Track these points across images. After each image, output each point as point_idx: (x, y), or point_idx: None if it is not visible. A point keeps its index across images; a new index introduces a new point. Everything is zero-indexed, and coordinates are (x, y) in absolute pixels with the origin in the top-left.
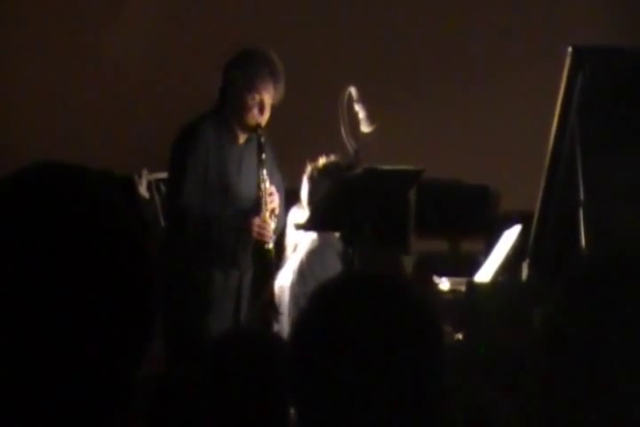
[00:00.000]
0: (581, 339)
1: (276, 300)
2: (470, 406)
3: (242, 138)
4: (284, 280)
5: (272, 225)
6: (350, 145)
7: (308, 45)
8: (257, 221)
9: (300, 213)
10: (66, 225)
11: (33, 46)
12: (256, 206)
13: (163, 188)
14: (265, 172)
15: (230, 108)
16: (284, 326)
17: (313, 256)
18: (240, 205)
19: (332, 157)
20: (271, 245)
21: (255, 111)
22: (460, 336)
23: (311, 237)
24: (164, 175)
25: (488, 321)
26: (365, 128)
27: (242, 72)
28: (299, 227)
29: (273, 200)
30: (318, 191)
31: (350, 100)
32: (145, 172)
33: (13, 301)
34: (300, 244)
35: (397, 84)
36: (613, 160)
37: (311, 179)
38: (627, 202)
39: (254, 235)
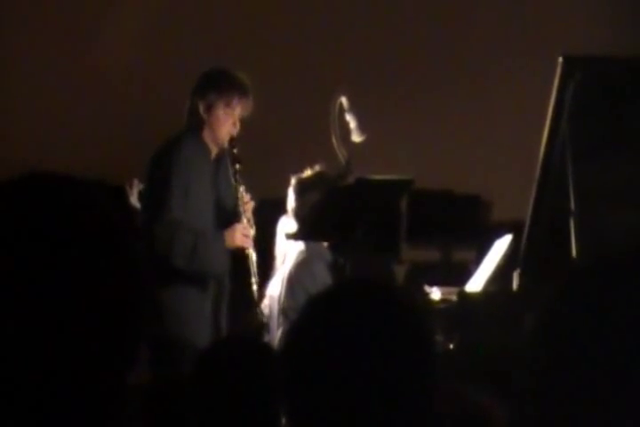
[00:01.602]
0: (574, 341)
1: (266, 310)
2: (463, 412)
3: (214, 153)
4: (273, 290)
5: (252, 231)
6: (341, 154)
7: (300, 55)
8: (239, 226)
9: (289, 223)
10: (55, 234)
11: (25, 56)
12: (234, 216)
13: None
14: (240, 180)
15: (205, 125)
16: (274, 335)
17: (301, 268)
18: (220, 217)
19: (317, 168)
20: (252, 252)
21: (229, 125)
22: (451, 346)
23: (299, 248)
24: None
25: (479, 331)
26: (356, 138)
27: (215, 91)
28: (289, 237)
29: (249, 209)
30: (304, 204)
31: (341, 110)
32: (136, 181)
33: (6, 304)
34: (288, 254)
35: (389, 94)
36: (604, 168)
37: (296, 191)
38: (618, 208)
39: (237, 241)
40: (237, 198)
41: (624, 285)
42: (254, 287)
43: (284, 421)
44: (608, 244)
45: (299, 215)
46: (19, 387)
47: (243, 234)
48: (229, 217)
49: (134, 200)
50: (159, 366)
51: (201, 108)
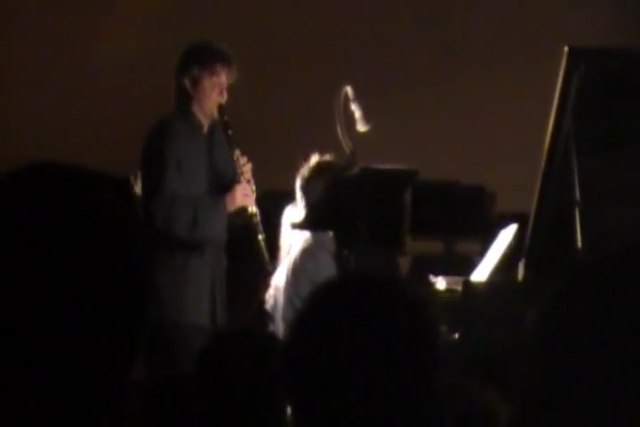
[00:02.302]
0: (577, 337)
1: (270, 301)
2: (467, 405)
3: (206, 126)
4: (279, 280)
5: (253, 190)
6: (346, 145)
7: (305, 45)
8: (239, 187)
9: (294, 213)
10: (61, 224)
11: (30, 47)
12: (233, 179)
13: None
14: (235, 145)
15: (193, 99)
16: (279, 326)
17: (306, 256)
18: (218, 185)
19: (327, 157)
20: (255, 209)
21: (215, 94)
22: (456, 336)
23: (304, 236)
24: None
25: (484, 321)
26: (361, 128)
27: (198, 63)
28: (294, 226)
29: (248, 171)
30: (311, 190)
31: (346, 100)
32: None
33: (7, 300)
34: (293, 244)
35: (393, 84)
36: (609, 160)
37: (304, 177)
38: (623, 201)
39: (238, 200)
40: (234, 161)
41: (627, 282)
42: (262, 244)
43: (288, 412)
44: (612, 238)
45: (304, 201)
46: (18, 384)
47: (244, 194)
48: (229, 179)
49: (139, 190)
50: (159, 352)
51: (187, 84)
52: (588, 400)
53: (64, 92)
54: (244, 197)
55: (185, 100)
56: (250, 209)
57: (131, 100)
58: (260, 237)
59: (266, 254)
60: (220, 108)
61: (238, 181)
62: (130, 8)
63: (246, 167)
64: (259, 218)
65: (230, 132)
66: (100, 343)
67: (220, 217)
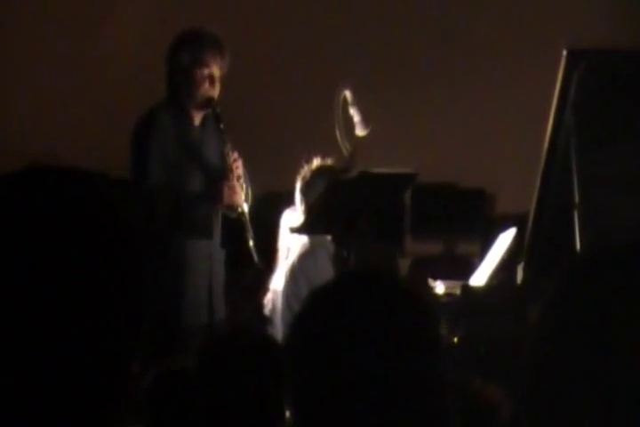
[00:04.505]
0: (578, 333)
1: (269, 305)
2: (468, 403)
3: (197, 119)
4: (277, 284)
5: (242, 187)
6: (345, 148)
7: (304, 48)
8: (227, 183)
9: (293, 216)
10: (61, 225)
11: (29, 48)
12: (223, 174)
13: None
14: (227, 139)
15: (182, 88)
16: (278, 329)
17: (305, 258)
18: (207, 177)
19: (328, 161)
20: (245, 208)
21: (206, 85)
22: (455, 339)
23: (303, 239)
24: None
25: (483, 324)
26: (360, 132)
27: (186, 51)
28: (293, 230)
29: (238, 167)
30: (311, 192)
31: (345, 104)
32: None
33: (8, 300)
34: (292, 247)
35: (392, 88)
36: (609, 160)
37: (304, 179)
38: (622, 200)
39: (225, 199)
40: (225, 156)
41: (627, 278)
42: (251, 244)
43: (288, 413)
44: (612, 236)
45: (304, 203)
46: (18, 384)
47: (232, 191)
48: (219, 174)
49: None
50: (156, 350)
51: (176, 72)
52: (588, 399)
53: (64, 92)
54: (233, 194)
55: (174, 89)
56: (239, 208)
57: (131, 100)
58: (249, 235)
59: (255, 255)
60: (212, 100)
61: (227, 178)
62: (129, 8)
63: (237, 163)
64: (247, 217)
65: (222, 126)
66: (99, 342)
67: (205, 209)
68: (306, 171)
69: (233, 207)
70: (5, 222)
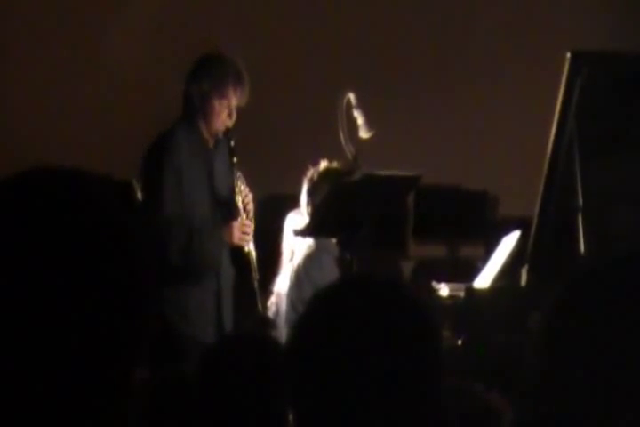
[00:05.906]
0: (580, 340)
1: (273, 307)
2: (470, 406)
3: (210, 142)
4: (281, 287)
5: (252, 227)
6: (349, 151)
7: (308, 51)
8: (237, 224)
9: (297, 219)
10: (62, 227)
11: (34, 50)
12: (233, 210)
13: None
14: (239, 174)
15: (200, 114)
16: (281, 331)
17: (310, 261)
18: (218, 210)
19: (335, 164)
20: (252, 247)
21: (224, 116)
22: (459, 342)
23: (307, 242)
24: None
25: (487, 327)
26: (364, 134)
27: (210, 79)
28: (297, 233)
29: (249, 202)
30: (317, 194)
31: (349, 106)
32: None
33: (8, 300)
34: (296, 250)
35: (396, 90)
36: (612, 165)
37: (311, 181)
38: (625, 205)
39: (235, 239)
40: (235, 193)
41: (629, 285)
42: (255, 284)
43: (290, 418)
44: (615, 242)
45: (309, 205)
46: (19, 384)
47: (242, 231)
48: (229, 207)
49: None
50: (162, 363)
51: (195, 96)
52: (590, 402)
53: (68, 94)
54: (241, 235)
55: (191, 111)
56: (246, 248)
57: (135, 102)
58: (254, 276)
59: (257, 293)
60: (228, 131)
61: (237, 216)
62: (136, 8)
63: (247, 199)
64: (254, 256)
65: (235, 160)
66: (101, 344)
67: (216, 246)
68: (312, 173)
69: (240, 247)
70: (6, 224)
